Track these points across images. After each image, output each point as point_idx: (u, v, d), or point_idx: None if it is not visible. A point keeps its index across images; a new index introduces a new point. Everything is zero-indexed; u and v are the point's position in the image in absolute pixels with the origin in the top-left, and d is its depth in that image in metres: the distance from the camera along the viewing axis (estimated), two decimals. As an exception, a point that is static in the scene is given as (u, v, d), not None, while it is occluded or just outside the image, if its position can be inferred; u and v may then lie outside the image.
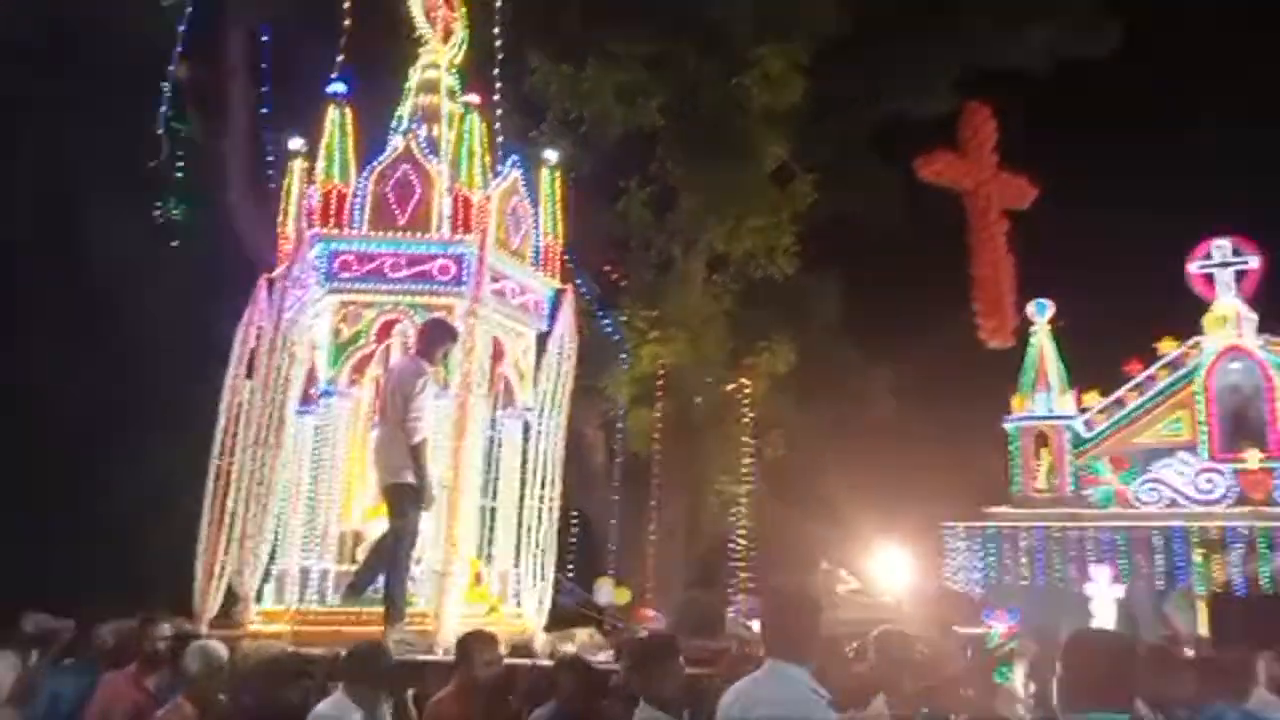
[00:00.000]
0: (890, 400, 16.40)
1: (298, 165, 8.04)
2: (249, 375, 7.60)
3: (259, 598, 7.17)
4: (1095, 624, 14.38)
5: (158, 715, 4.50)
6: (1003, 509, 16.02)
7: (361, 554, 7.09)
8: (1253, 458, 14.94)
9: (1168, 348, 16.17)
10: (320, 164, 7.57)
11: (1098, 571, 15.25)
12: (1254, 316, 15.73)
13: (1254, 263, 15.81)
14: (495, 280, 7.42)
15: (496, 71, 8.62)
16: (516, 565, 7.65)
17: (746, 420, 14.32)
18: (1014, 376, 16.57)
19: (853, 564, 15.46)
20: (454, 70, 8.22)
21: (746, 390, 14.25)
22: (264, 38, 13.43)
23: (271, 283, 7.88)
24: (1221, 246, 16.02)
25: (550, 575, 7.87)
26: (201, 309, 12.94)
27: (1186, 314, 16.11)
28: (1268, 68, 18.47)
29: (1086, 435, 16.26)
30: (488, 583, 7.37)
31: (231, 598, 7.18)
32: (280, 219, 8.19)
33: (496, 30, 8.71)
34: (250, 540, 7.07)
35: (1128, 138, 18.57)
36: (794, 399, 15.17)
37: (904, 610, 14.98)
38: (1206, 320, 15.89)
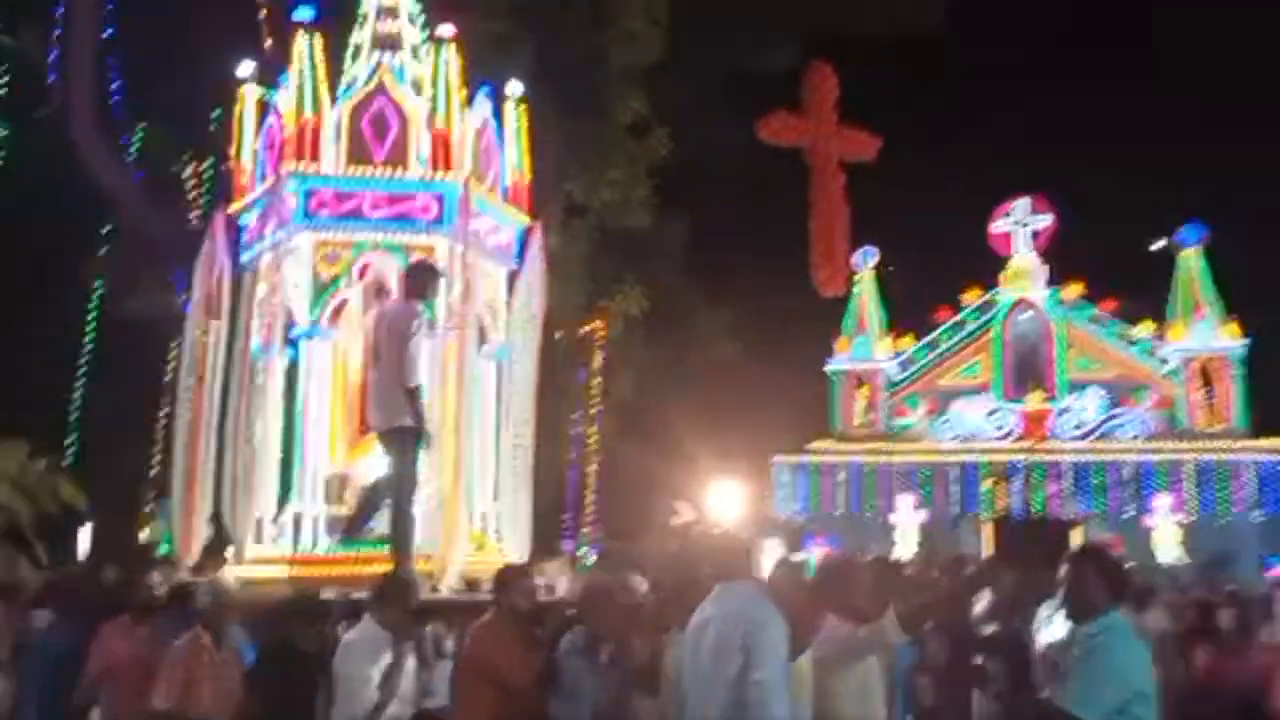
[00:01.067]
0: (730, 342, 17.37)
1: (250, 92, 7.54)
2: (211, 315, 7.28)
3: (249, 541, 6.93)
4: (898, 549, 16.34)
5: (176, 644, 4.53)
6: (823, 444, 17.55)
7: (350, 496, 7.01)
8: (1034, 399, 16.95)
9: (972, 297, 17.85)
10: (290, 95, 7.14)
11: (902, 500, 17.15)
12: (1045, 269, 17.65)
13: (1048, 221, 17.58)
14: (471, 214, 7.13)
15: None
16: (496, 501, 7.55)
17: (598, 362, 14.90)
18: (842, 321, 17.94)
19: (692, 497, 16.53)
20: None
21: (601, 333, 14.79)
22: None
23: (229, 218, 7.48)
24: (1021, 205, 17.70)
25: (528, 510, 7.72)
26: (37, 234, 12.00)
27: (996, 265, 17.79)
28: (1078, 50, 20.37)
29: (899, 377, 17.89)
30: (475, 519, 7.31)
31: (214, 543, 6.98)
32: (232, 149, 7.69)
33: None
34: (237, 485, 6.84)
35: (958, 102, 20.00)
36: (642, 340, 15.85)
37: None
38: (1004, 274, 17.68)
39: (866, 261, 18.00)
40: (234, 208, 7.63)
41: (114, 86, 11.32)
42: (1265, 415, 16.11)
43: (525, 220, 7.88)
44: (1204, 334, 16.43)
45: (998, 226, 17.71)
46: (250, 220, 7.59)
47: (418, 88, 7.46)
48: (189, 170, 13.21)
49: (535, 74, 13.10)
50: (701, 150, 15.73)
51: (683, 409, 16.07)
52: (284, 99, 7.28)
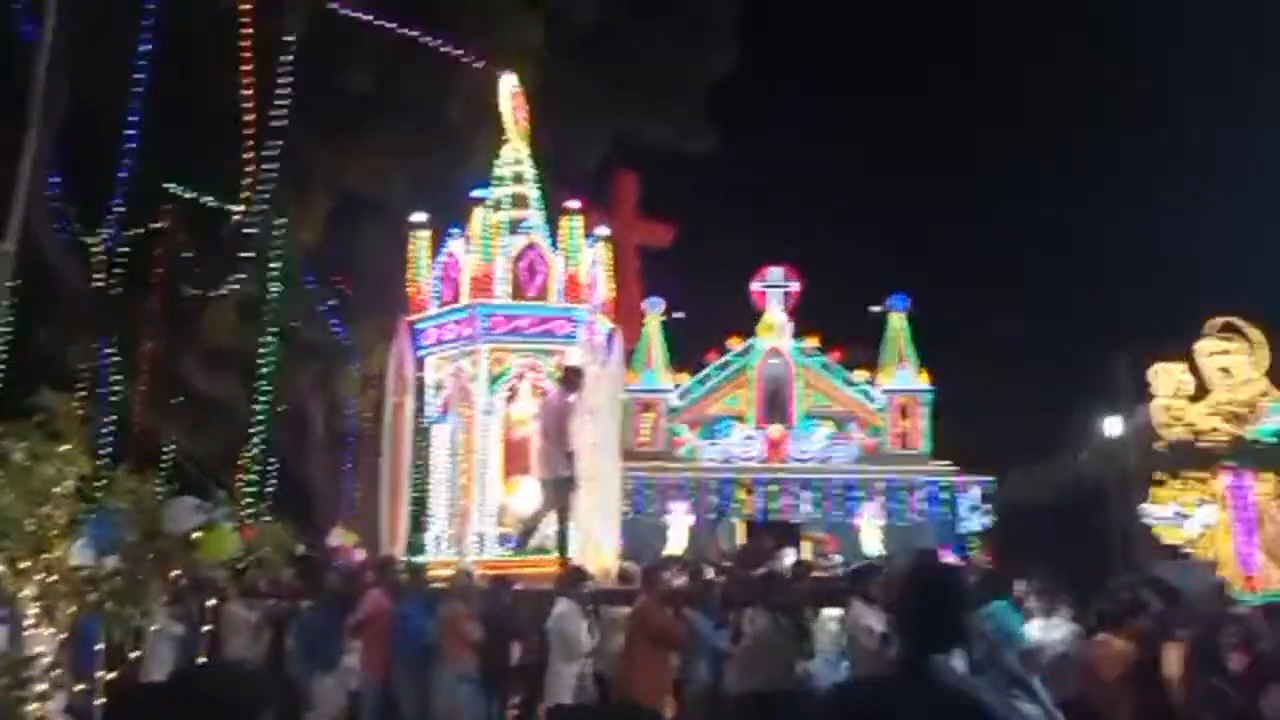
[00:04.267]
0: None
1: (423, 236, 11.18)
2: (401, 392, 10.64)
3: (421, 550, 10.34)
4: (670, 547, 20.20)
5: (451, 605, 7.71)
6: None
7: (509, 520, 10.31)
8: (775, 429, 21.17)
9: (735, 343, 21.82)
10: (474, 252, 10.76)
11: (675, 506, 21.08)
12: (790, 324, 21.90)
13: (795, 286, 21.86)
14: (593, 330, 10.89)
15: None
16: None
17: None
18: (636, 358, 21.73)
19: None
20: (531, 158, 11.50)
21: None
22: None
23: (411, 324, 10.94)
24: (774, 272, 22.09)
25: (614, 527, 11.16)
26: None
27: (754, 318, 22.02)
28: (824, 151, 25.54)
29: (677, 404, 21.90)
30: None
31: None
32: (409, 275, 11.19)
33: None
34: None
35: (732, 193, 24.82)
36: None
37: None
38: (760, 325, 22.04)
39: (654, 310, 21.94)
40: (414, 318, 11.18)
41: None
42: (943, 444, 21.25)
43: (610, 325, 11.70)
44: (904, 379, 21.28)
45: (756, 287, 22.12)
46: (428, 327, 11.15)
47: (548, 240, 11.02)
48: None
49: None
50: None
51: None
52: (460, 250, 10.96)
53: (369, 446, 17.23)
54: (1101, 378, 22.72)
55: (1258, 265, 20.75)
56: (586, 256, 11.36)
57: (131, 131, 13.10)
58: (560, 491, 9.76)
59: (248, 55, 12.84)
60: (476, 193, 11.19)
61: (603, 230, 11.90)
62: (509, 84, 12.12)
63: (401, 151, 16.64)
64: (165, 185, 14.66)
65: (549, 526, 10.13)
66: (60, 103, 13.70)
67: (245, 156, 14.38)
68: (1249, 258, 21.36)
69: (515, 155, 11.81)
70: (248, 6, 12.81)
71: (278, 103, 14.06)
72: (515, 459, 10.94)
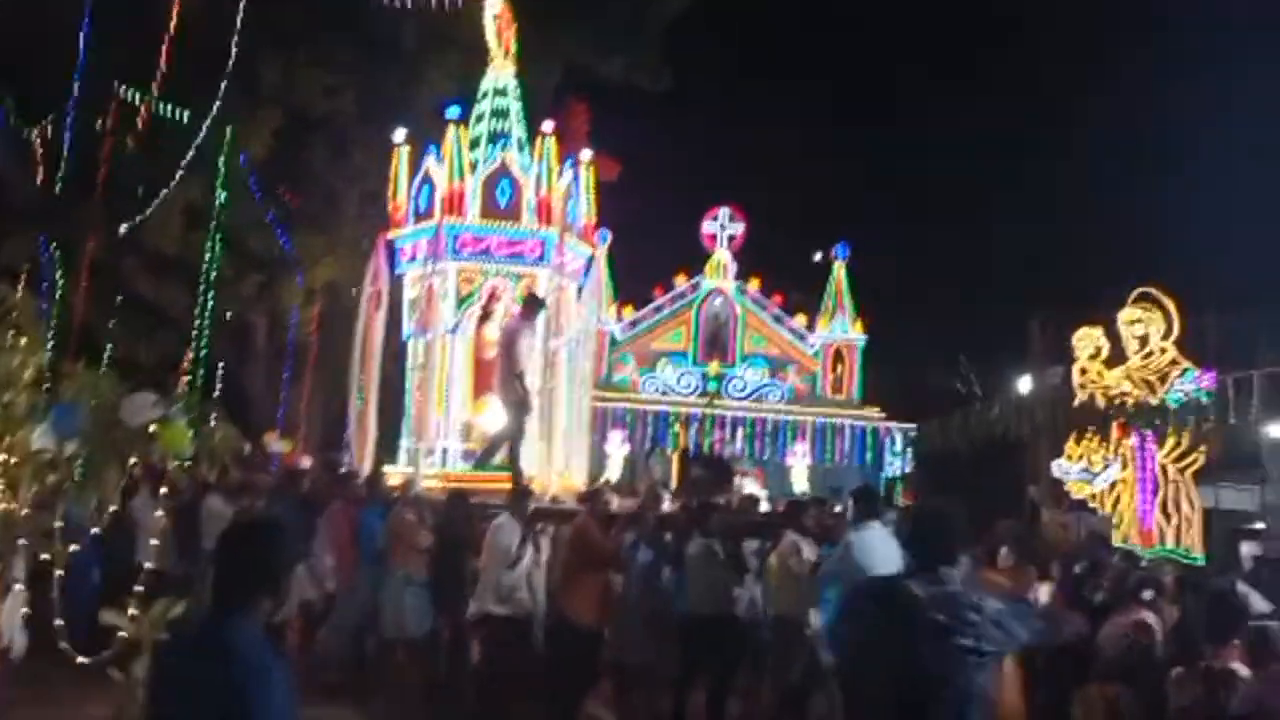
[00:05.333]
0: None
1: (405, 151, 11.20)
2: (375, 308, 10.80)
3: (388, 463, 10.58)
4: (608, 472, 20.85)
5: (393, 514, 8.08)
6: (556, 388, 21.74)
7: (476, 436, 10.55)
8: (714, 366, 21.80)
9: (681, 281, 22.44)
10: (445, 171, 10.74)
11: (613, 435, 21.69)
12: (734, 265, 22.48)
13: (741, 227, 22.49)
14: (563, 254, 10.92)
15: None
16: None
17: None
18: (579, 291, 22.10)
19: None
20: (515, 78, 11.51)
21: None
22: None
23: (389, 243, 11.08)
24: (723, 212, 22.44)
25: (587, 448, 11.71)
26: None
27: (702, 258, 22.49)
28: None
29: (620, 337, 22.35)
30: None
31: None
32: (391, 191, 11.23)
33: None
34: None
35: (684, 133, 24.93)
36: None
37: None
38: (708, 265, 22.55)
39: (602, 243, 22.18)
40: (392, 234, 11.21)
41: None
42: (873, 391, 22.09)
43: (590, 251, 11.78)
44: (840, 327, 22.07)
45: (706, 227, 22.53)
46: (404, 244, 11.17)
47: (520, 150, 11.09)
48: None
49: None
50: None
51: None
52: (435, 169, 10.88)
53: (311, 358, 17.49)
54: (1023, 340, 23.72)
55: (1188, 236, 21.82)
56: (563, 179, 11.32)
57: (83, 28, 12.91)
58: (512, 411, 9.94)
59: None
60: (451, 112, 11.09)
61: (585, 154, 11.79)
62: (494, 3, 11.96)
63: (351, 70, 16.57)
64: (113, 85, 14.44)
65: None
66: None
67: (195, 64, 14.22)
68: (1181, 228, 22.37)
69: (496, 75, 11.73)
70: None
71: (230, 11, 13.91)
72: (484, 379, 10.99)
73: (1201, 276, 18.91)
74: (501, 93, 11.62)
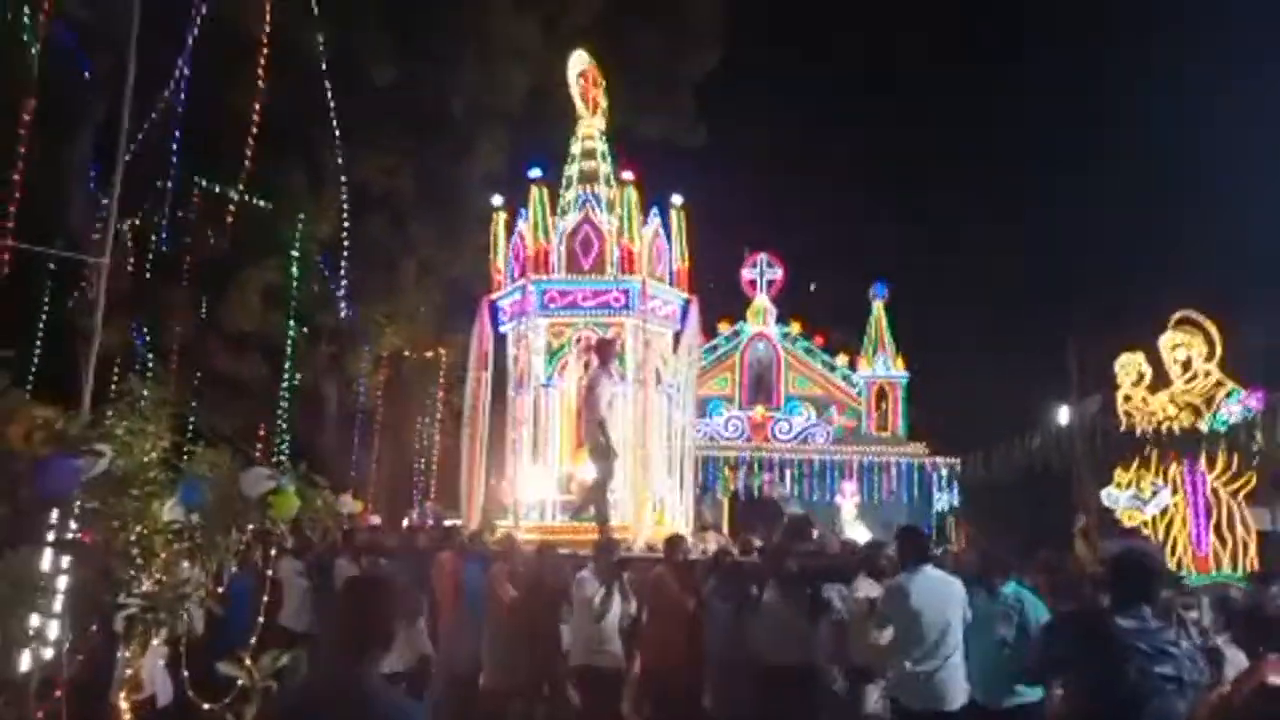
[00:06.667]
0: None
1: (501, 217, 11.51)
2: (482, 368, 11.11)
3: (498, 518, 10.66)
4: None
5: (493, 569, 8.04)
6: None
7: (575, 488, 10.65)
8: (759, 411, 22.56)
9: (725, 327, 23.15)
10: (529, 230, 11.14)
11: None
12: (774, 310, 23.17)
13: (779, 273, 23.29)
14: (648, 300, 11.01)
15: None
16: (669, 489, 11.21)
17: (440, 381, 19.32)
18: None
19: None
20: (603, 136, 11.74)
21: (442, 359, 19.16)
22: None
23: (492, 304, 11.39)
24: (761, 259, 23.29)
25: (691, 496, 11.37)
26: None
27: (743, 304, 23.23)
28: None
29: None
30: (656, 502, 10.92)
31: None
32: (492, 257, 11.57)
33: None
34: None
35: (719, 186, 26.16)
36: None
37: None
38: (749, 311, 23.30)
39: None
40: (494, 296, 11.53)
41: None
42: (917, 426, 22.57)
43: (685, 296, 11.62)
44: (882, 365, 22.67)
45: (746, 274, 23.34)
46: (505, 305, 11.48)
47: (610, 207, 11.32)
48: None
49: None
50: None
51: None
52: (525, 229, 11.22)
53: (377, 422, 18.58)
54: (1063, 367, 24.00)
55: (1224, 258, 22.06)
56: (648, 227, 11.26)
57: (170, 136, 14.02)
58: (597, 460, 9.90)
59: (267, 69, 13.68)
60: (533, 172, 11.34)
61: (676, 199, 11.67)
62: (580, 61, 11.98)
63: (405, 151, 17.73)
64: (195, 180, 15.63)
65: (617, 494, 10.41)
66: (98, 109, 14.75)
67: (265, 155, 15.32)
68: (1217, 250, 22.62)
69: (585, 131, 11.82)
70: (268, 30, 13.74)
71: (298, 110, 15.03)
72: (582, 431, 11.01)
73: (1245, 296, 19.14)
74: (589, 154, 11.80)
